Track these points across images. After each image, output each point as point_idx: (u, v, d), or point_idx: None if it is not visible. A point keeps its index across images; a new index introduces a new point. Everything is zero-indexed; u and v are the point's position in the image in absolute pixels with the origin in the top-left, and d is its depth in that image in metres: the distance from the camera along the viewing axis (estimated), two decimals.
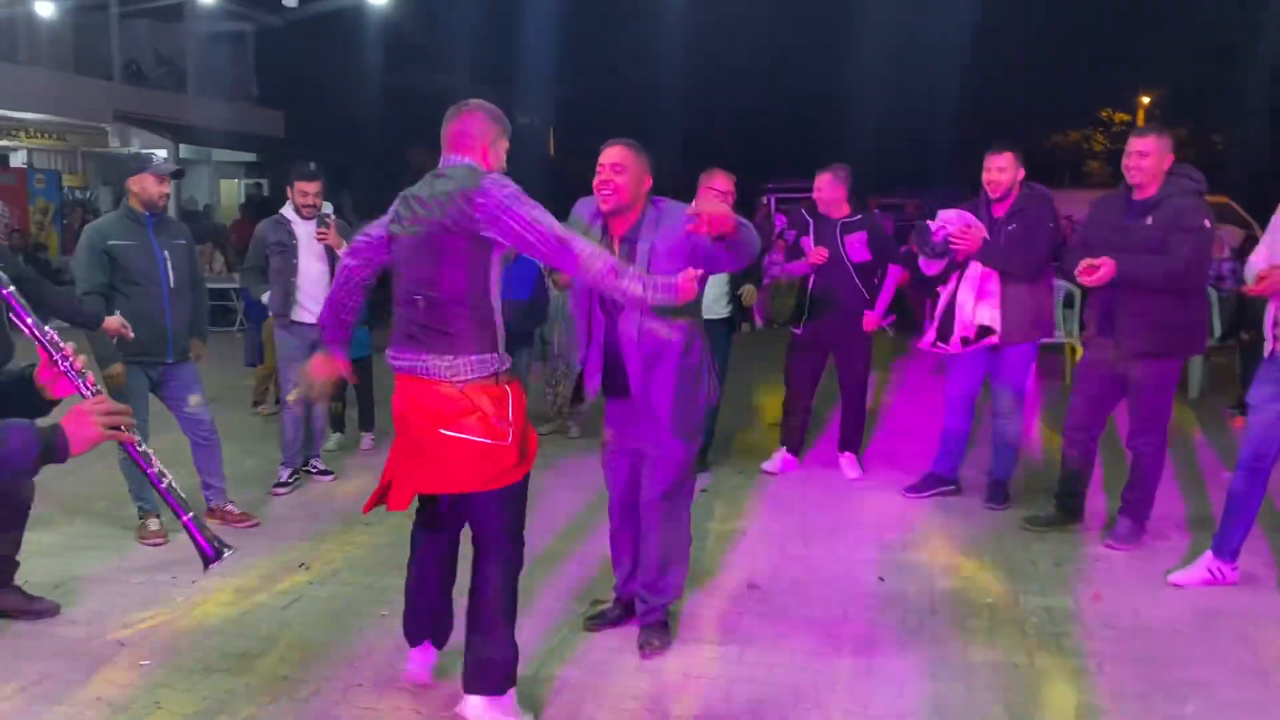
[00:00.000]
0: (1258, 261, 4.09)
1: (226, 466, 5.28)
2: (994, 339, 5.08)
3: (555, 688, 3.39)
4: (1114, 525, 4.82)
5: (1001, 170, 5.04)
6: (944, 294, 5.25)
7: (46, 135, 18.81)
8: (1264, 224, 4.20)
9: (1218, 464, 6.19)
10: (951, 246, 5.05)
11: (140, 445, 2.25)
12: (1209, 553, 4.29)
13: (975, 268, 5.09)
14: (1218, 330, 8.60)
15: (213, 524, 5.09)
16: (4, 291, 2.20)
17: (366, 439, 6.77)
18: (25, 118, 17.77)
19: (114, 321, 4.54)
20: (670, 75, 30.33)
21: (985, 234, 5.04)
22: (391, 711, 3.26)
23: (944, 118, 29.30)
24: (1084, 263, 4.44)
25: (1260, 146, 25.68)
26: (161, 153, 18.44)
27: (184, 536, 4.94)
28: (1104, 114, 37.02)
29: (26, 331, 2.23)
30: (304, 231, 5.68)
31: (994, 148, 5.11)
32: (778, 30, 31.63)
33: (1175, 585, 4.24)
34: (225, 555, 2.35)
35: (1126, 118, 35.64)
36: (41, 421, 2.18)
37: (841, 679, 3.45)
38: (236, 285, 13.44)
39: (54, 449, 2.14)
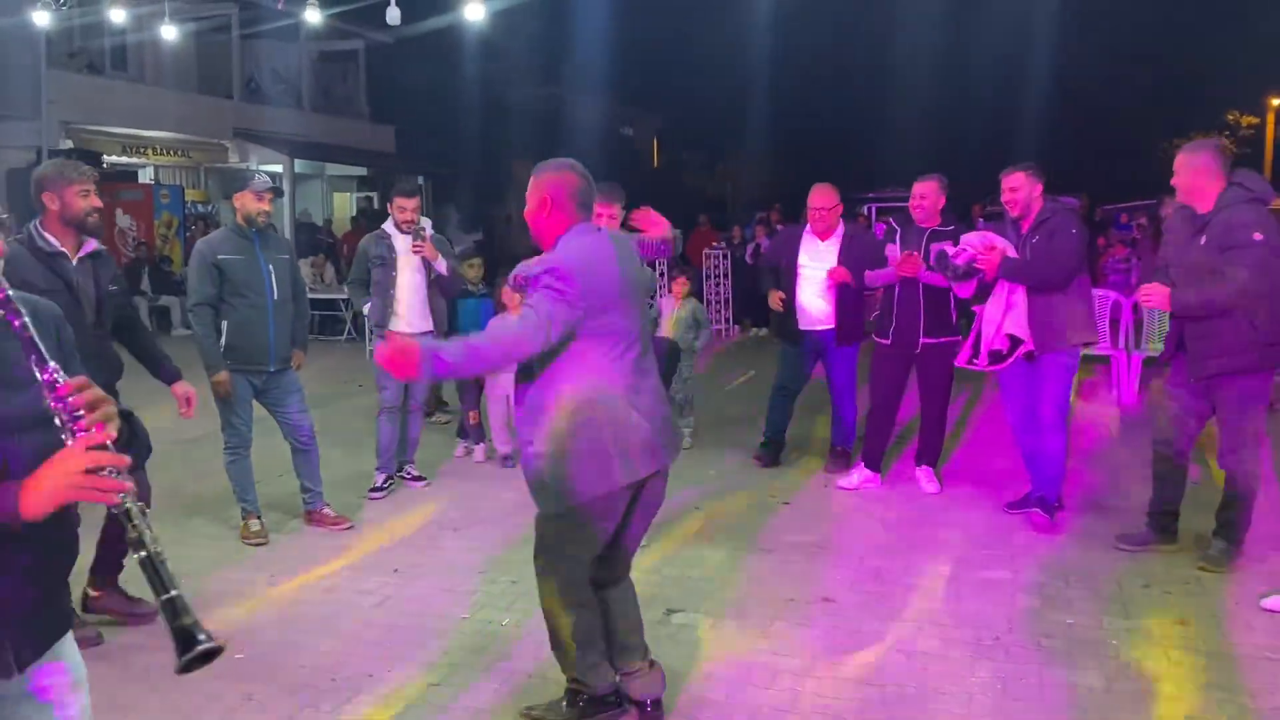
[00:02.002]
0: None
1: (325, 470, 5.52)
2: (1027, 347, 5.03)
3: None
4: (1208, 546, 4.67)
5: (1014, 190, 5.06)
6: (979, 311, 5.26)
7: (171, 152, 19.79)
8: None
9: None
10: (977, 267, 5.06)
11: (124, 505, 1.74)
12: None
13: (1002, 285, 5.09)
14: None
15: (310, 527, 5.34)
16: (14, 320, 1.74)
17: (461, 446, 6.96)
18: (152, 136, 18.73)
19: (180, 389, 4.44)
20: (772, 84, 30.23)
21: (1007, 251, 5.02)
22: (465, 711, 3.38)
23: (1059, 124, 28.51)
24: (1140, 290, 4.42)
25: None
26: (277, 168, 19.25)
27: (282, 537, 5.22)
28: (1231, 117, 35.52)
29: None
30: (403, 245, 5.90)
31: (1007, 169, 5.13)
32: (881, 37, 31.24)
33: (1268, 611, 4.10)
34: (200, 648, 1.80)
35: (1255, 121, 34.13)
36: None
37: (909, 695, 3.45)
38: (345, 296, 13.99)
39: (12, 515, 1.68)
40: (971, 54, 29.45)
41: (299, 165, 20.82)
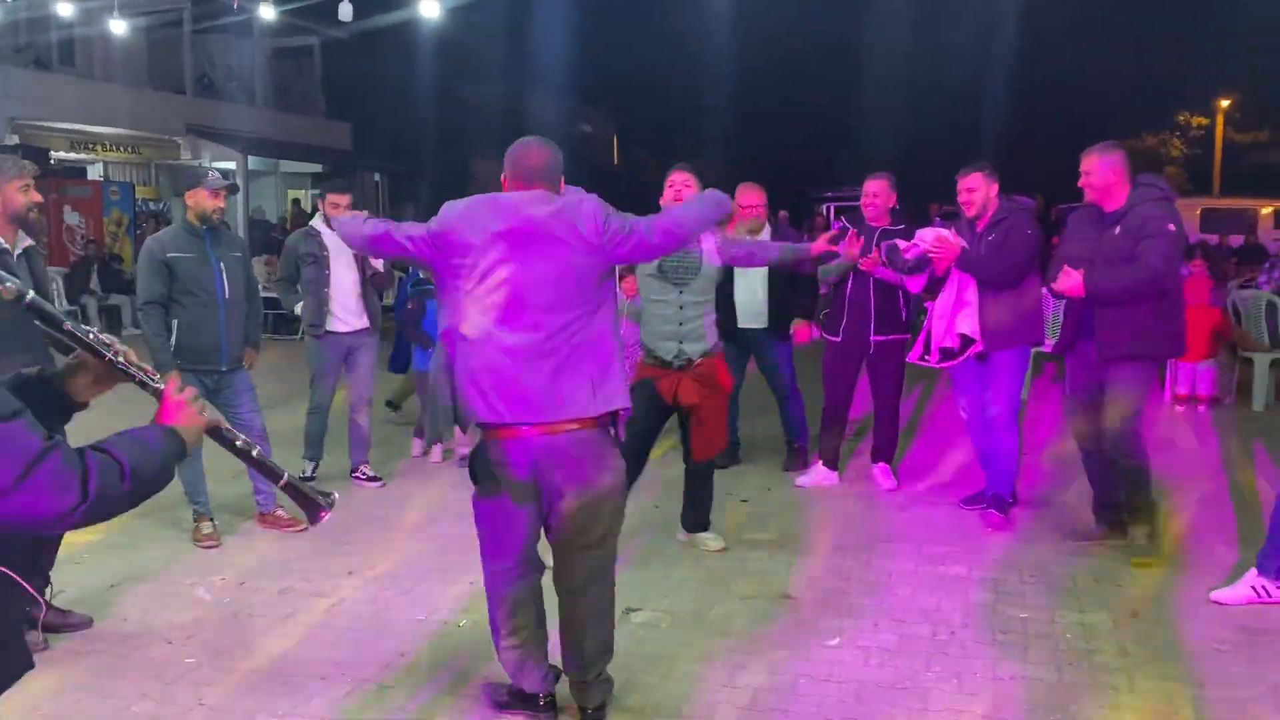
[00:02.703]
0: None
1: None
2: (977, 347, 5.08)
3: None
4: (1133, 536, 4.77)
5: (972, 190, 5.12)
6: (930, 308, 5.30)
7: (122, 149, 19.45)
8: None
9: (1279, 478, 6.04)
10: (931, 258, 5.09)
11: (225, 426, 2.23)
12: (1253, 570, 4.20)
13: (953, 283, 5.13)
14: None
15: (263, 529, 5.27)
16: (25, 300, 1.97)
17: (417, 444, 6.89)
18: (101, 132, 18.41)
19: None
20: (732, 82, 30.35)
21: (962, 245, 5.06)
22: (421, 713, 3.35)
23: (1014, 125, 28.86)
24: (1054, 284, 4.50)
25: None
26: (231, 165, 19.00)
27: (234, 539, 5.14)
28: (1181, 118, 36.19)
29: (66, 339, 2.05)
30: (335, 242, 5.86)
31: (962, 170, 5.18)
32: (837, 35, 31.47)
33: (1217, 603, 4.17)
34: (332, 501, 2.39)
35: (1204, 121, 34.79)
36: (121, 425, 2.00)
37: (867, 690, 3.46)
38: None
39: (182, 448, 2.01)
40: (930, 57, 29.79)
41: (253, 162, 20.57)
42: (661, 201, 5.18)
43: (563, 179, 3.14)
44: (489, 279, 2.97)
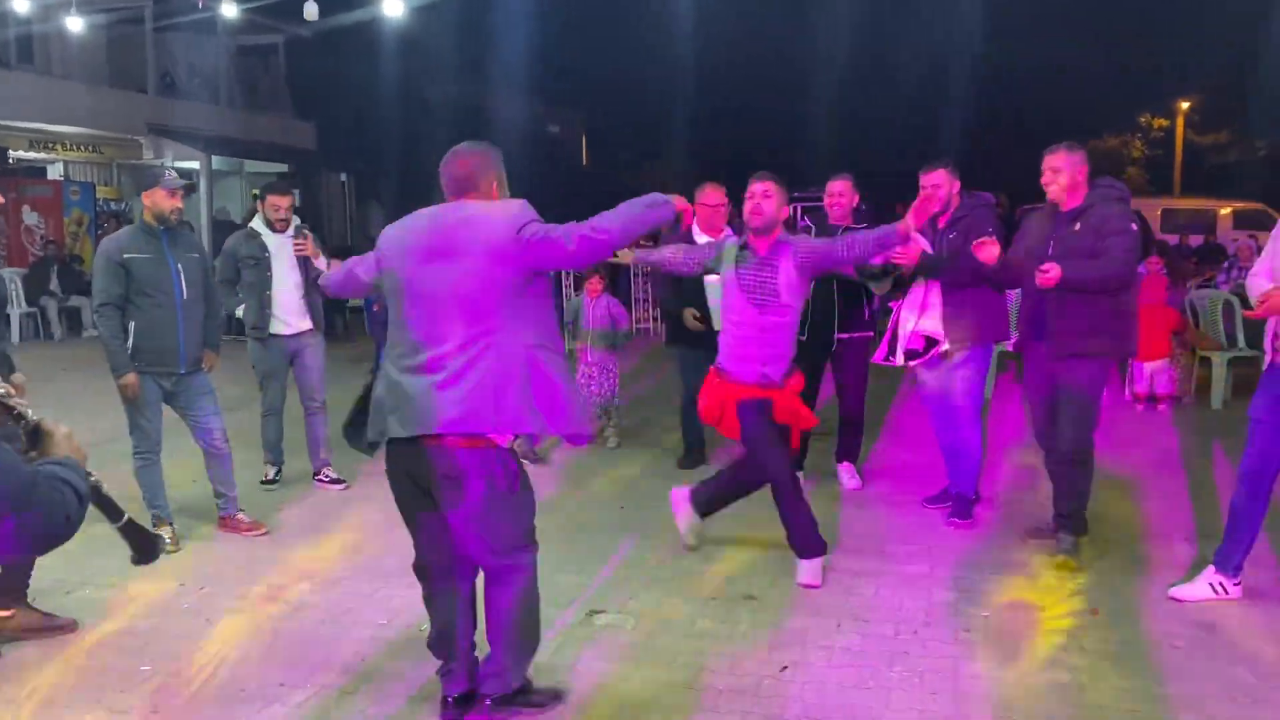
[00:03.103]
0: (1258, 284, 4.05)
1: (240, 475, 5.38)
2: (941, 346, 5.11)
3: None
4: (1058, 542, 4.76)
5: (936, 187, 5.10)
6: (895, 308, 5.33)
7: (82, 148, 19.15)
8: None
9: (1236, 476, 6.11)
10: (895, 263, 5.06)
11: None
12: (1211, 567, 4.25)
13: (918, 283, 5.16)
14: (1241, 339, 8.53)
15: (224, 534, 5.20)
16: None
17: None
18: (61, 131, 18.11)
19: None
20: (700, 83, 30.38)
21: (925, 248, 5.06)
22: (379, 716, 3.31)
23: (978, 125, 29.08)
24: (1040, 279, 4.45)
25: None
26: (194, 164, 18.77)
27: (194, 544, 5.07)
28: (1143, 119, 36.62)
29: None
30: (275, 244, 5.81)
31: (926, 167, 5.17)
32: (804, 36, 31.63)
33: (1176, 600, 4.21)
34: (165, 546, 2.25)
35: (1165, 123, 35.23)
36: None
37: (830, 690, 3.46)
38: None
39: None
40: (894, 57, 29.98)
41: (216, 161, 20.32)
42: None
43: (497, 183, 3.11)
44: (404, 296, 3.01)
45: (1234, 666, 3.62)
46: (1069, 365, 4.62)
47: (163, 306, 4.88)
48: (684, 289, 6.10)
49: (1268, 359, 4.07)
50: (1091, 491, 4.85)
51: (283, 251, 5.82)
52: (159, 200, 4.85)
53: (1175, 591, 4.26)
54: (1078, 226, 4.56)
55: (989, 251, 4.63)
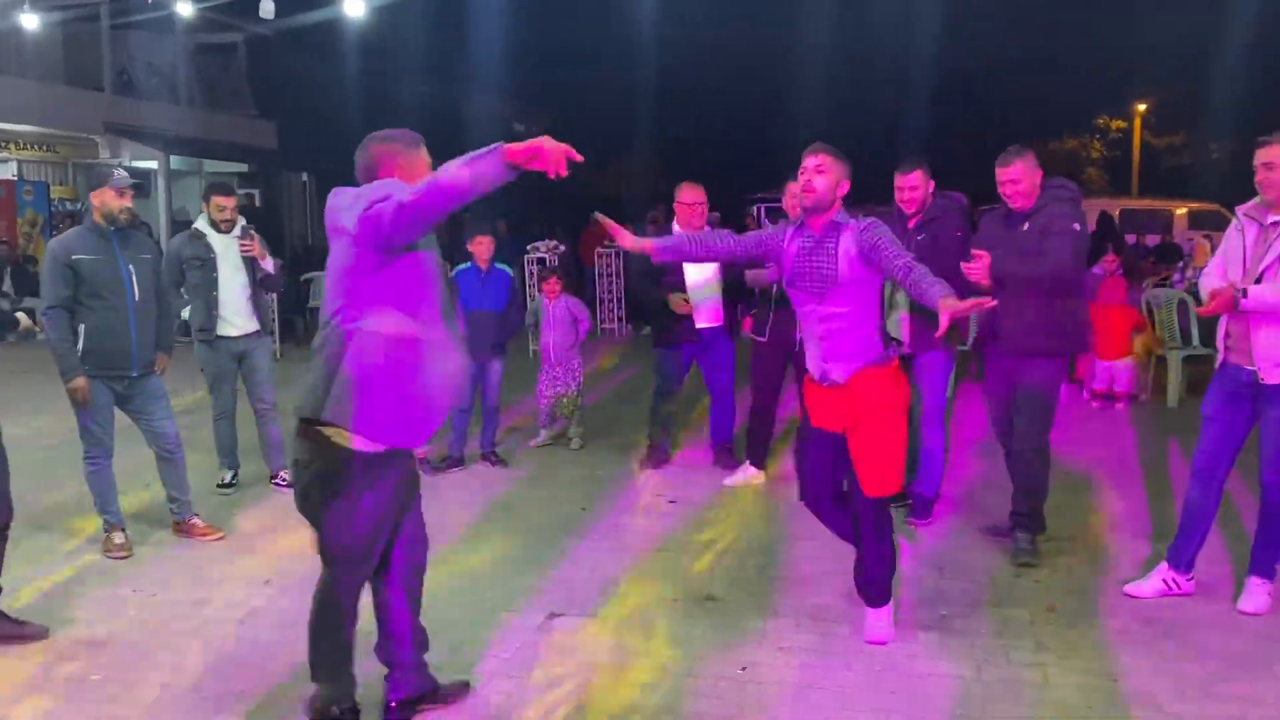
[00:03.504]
0: (1209, 282, 4.11)
1: (194, 479, 5.31)
2: (904, 349, 5.11)
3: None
4: (1017, 541, 4.77)
5: (915, 188, 5.12)
6: None
7: (36, 147, 18.82)
8: None
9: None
10: None
11: None
12: (1164, 563, 4.31)
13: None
14: (1196, 337, 8.65)
15: (178, 539, 5.13)
16: None
17: None
18: (14, 129, 17.80)
19: None
20: (665, 83, 30.38)
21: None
22: None
23: (938, 126, 29.30)
24: (965, 265, 4.48)
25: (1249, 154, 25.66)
26: (152, 164, 18.51)
27: (147, 549, 4.99)
28: (1101, 121, 37.10)
29: None
30: (221, 245, 5.75)
31: (902, 167, 5.17)
32: (766, 37, 31.74)
33: (1130, 596, 4.26)
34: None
35: (1123, 125, 35.71)
36: None
37: (787, 690, 3.47)
38: None
39: None
40: (856, 58, 30.16)
41: (175, 161, 20.03)
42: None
43: (403, 168, 3.03)
44: None
45: (1186, 662, 3.67)
46: (1025, 365, 4.65)
47: (115, 309, 4.80)
48: (665, 278, 6.11)
49: (1220, 357, 4.13)
50: (1050, 489, 4.89)
51: (229, 252, 5.76)
52: (108, 200, 4.77)
53: (1130, 588, 4.31)
54: (1026, 227, 4.61)
55: (979, 272, 4.50)
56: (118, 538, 4.92)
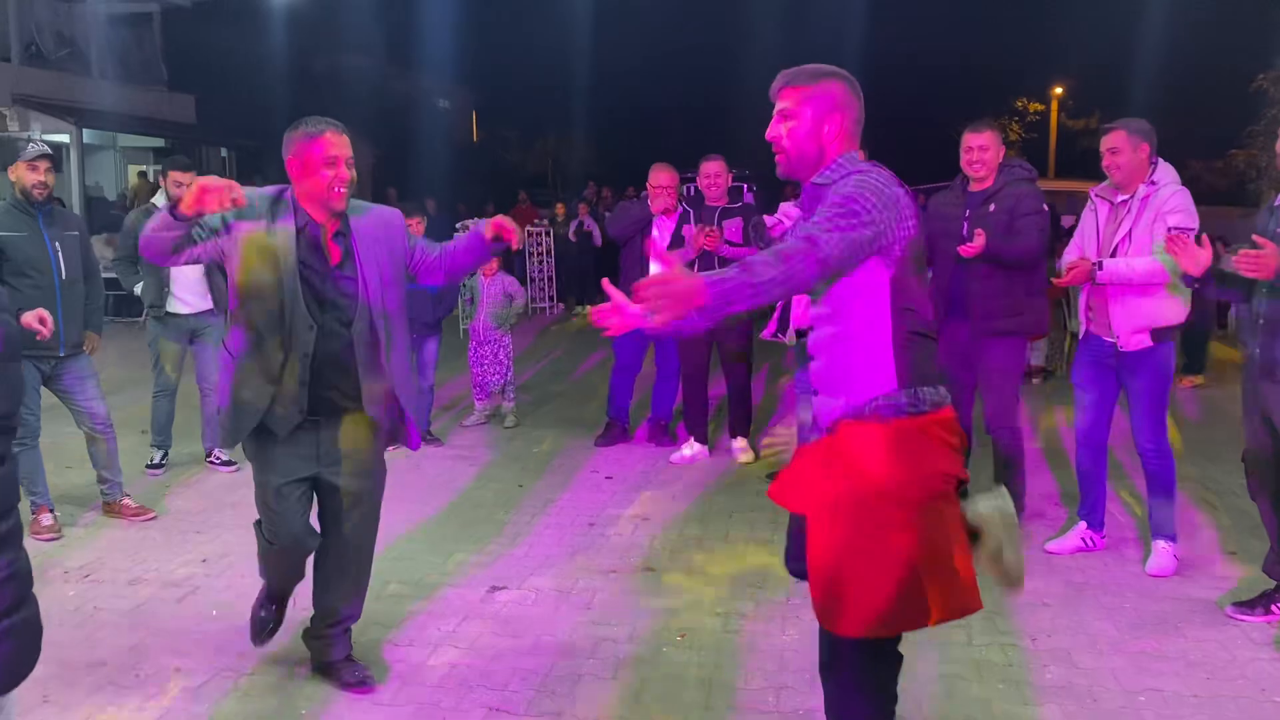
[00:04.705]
0: (1068, 258, 4.39)
1: (124, 460, 5.24)
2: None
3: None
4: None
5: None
6: None
7: None
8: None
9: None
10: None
11: None
12: (1082, 523, 4.57)
13: None
14: None
15: (109, 520, 5.06)
16: None
17: None
18: None
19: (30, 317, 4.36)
20: (592, 63, 30.29)
21: None
22: (284, 701, 3.30)
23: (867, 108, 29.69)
24: (963, 248, 4.59)
25: (1166, 141, 26.56)
26: (64, 137, 17.91)
27: (78, 530, 4.92)
28: (1019, 103, 37.94)
29: None
30: None
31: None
32: (697, 20, 31.87)
33: (1050, 553, 4.51)
34: None
35: (1040, 107, 36.56)
36: None
37: (725, 653, 3.59)
38: None
39: None
40: (776, 38, 30.37)
41: (88, 135, 19.43)
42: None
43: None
44: None
45: (1100, 621, 3.87)
46: (987, 344, 4.77)
47: (40, 287, 4.71)
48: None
49: (1083, 328, 4.41)
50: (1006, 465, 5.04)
51: None
52: (21, 174, 4.68)
53: (1050, 545, 4.58)
54: (992, 207, 4.72)
55: (973, 250, 4.54)
56: (46, 519, 4.85)
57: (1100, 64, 31.18)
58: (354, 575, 3.39)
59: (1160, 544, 4.38)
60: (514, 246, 3.35)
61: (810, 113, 2.43)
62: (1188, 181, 4.40)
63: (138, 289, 5.81)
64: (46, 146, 4.84)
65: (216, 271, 5.89)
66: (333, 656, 3.39)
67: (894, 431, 2.28)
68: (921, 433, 2.29)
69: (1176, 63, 26.08)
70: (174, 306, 5.74)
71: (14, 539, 1.76)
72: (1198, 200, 4.26)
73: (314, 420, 3.16)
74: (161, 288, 5.69)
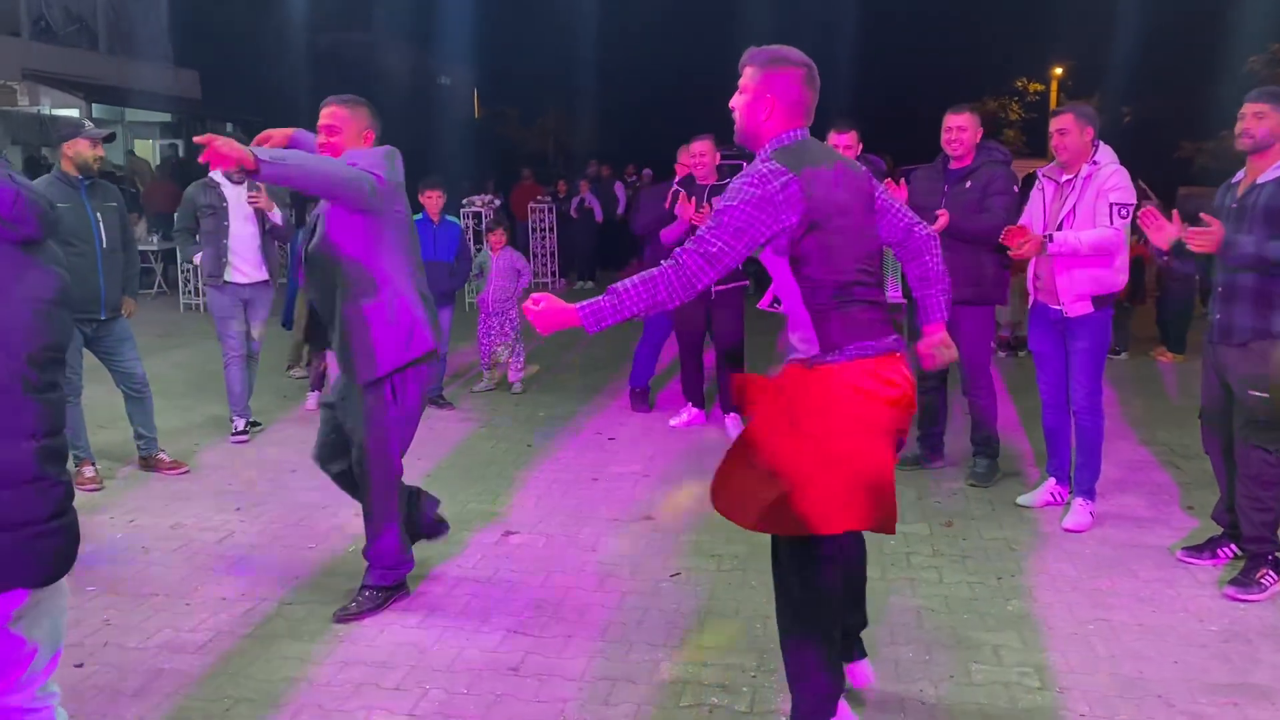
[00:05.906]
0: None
1: (158, 418, 5.60)
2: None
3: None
4: (974, 465, 5.38)
5: (848, 149, 5.57)
6: None
7: None
8: (1164, 196, 4.79)
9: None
10: None
11: None
12: (1051, 479, 4.95)
13: None
14: None
15: (145, 473, 5.43)
16: None
17: (312, 399, 6.90)
18: None
19: None
20: (595, 40, 30.42)
21: None
22: (323, 624, 3.67)
23: (860, 88, 29.87)
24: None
25: (1161, 121, 26.90)
26: (73, 112, 18.14)
27: (117, 482, 5.27)
28: (1019, 83, 38.11)
29: None
30: (233, 194, 5.97)
31: (835, 127, 5.59)
32: (685, 3, 31.99)
33: (1020, 506, 4.91)
34: None
35: (1040, 88, 36.74)
36: None
37: (718, 589, 3.96)
38: (155, 248, 13.53)
39: None
40: (778, 16, 30.49)
41: (96, 110, 19.67)
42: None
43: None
44: None
45: (1061, 564, 4.24)
46: (956, 313, 5.10)
47: (83, 255, 5.05)
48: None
49: (1031, 298, 4.80)
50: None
51: (240, 202, 5.97)
52: (82, 150, 5.01)
53: (1022, 499, 4.96)
54: (968, 185, 5.11)
55: (942, 222, 4.89)
56: (88, 471, 5.21)
57: (1098, 45, 31.35)
58: (363, 501, 3.84)
59: (1079, 501, 4.73)
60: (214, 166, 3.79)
61: (755, 91, 2.74)
62: (1181, 162, 4.77)
63: (197, 258, 6.08)
64: (104, 131, 5.16)
65: (272, 243, 6.18)
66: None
67: (816, 374, 2.70)
68: (837, 376, 2.67)
69: (1171, 44, 26.29)
70: (230, 276, 5.99)
71: (62, 455, 2.10)
72: (1190, 180, 4.64)
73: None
74: (219, 258, 5.97)
